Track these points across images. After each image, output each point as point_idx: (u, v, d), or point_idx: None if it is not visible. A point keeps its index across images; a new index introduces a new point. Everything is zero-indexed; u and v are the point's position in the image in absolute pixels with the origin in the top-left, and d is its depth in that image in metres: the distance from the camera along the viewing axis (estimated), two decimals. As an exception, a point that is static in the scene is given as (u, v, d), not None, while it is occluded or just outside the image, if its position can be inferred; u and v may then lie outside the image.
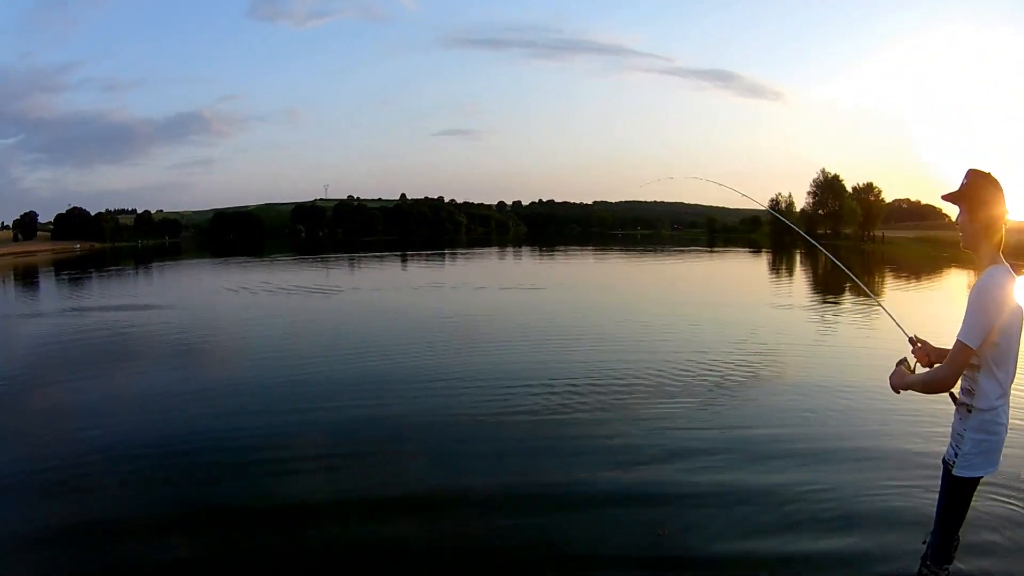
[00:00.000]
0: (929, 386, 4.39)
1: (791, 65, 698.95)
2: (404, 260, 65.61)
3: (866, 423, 10.33)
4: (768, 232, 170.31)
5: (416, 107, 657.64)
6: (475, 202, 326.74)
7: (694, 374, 13.75)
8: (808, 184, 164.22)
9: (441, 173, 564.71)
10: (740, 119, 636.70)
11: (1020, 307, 4.27)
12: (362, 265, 59.12)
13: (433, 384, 13.58)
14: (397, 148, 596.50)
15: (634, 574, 6.16)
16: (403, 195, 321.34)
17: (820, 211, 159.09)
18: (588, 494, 7.82)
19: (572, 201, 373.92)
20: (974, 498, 4.56)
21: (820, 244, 7.55)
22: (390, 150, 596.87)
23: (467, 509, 7.57)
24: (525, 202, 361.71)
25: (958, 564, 5.01)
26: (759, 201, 5.82)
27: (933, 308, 25.15)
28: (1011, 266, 4.33)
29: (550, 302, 28.35)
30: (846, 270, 6.36)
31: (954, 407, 4.51)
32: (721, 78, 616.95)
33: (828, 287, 36.27)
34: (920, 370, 4.70)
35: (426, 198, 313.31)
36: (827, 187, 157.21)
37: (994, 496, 7.19)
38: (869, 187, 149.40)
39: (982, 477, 4.42)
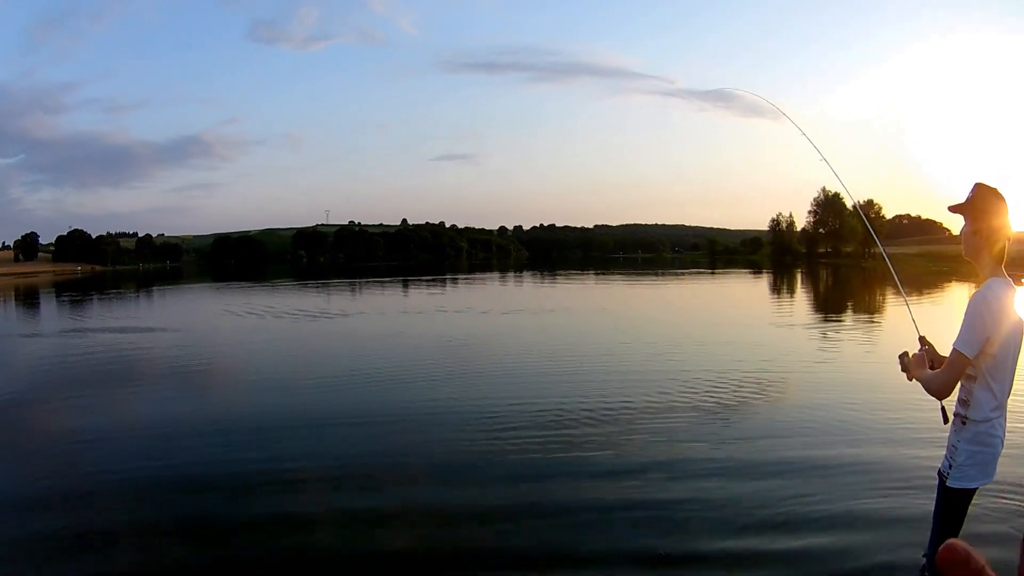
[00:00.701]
0: (929, 388, 4.45)
1: (790, 83, 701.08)
2: (407, 286, 65.47)
3: (866, 434, 10.53)
4: (769, 252, 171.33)
5: (416, 131, 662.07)
6: (476, 227, 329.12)
7: (698, 392, 13.78)
8: (809, 203, 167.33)
9: (442, 198, 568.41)
10: (741, 139, 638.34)
11: (1021, 321, 4.32)
12: (366, 291, 59.03)
13: (440, 403, 13.61)
14: (397, 173, 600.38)
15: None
16: (404, 220, 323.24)
17: (821, 230, 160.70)
18: (595, 506, 7.86)
19: (573, 225, 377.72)
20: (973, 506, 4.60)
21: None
22: (390, 175, 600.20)
23: (471, 524, 7.60)
24: (526, 227, 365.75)
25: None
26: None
27: (932, 320, 25.13)
28: (1012, 278, 4.37)
29: (554, 325, 28.29)
30: (894, 273, 6.19)
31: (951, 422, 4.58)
32: (721, 98, 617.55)
33: (829, 305, 36.57)
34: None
35: (427, 223, 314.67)
36: (827, 205, 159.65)
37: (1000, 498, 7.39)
38: (870, 204, 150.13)
39: (977, 488, 4.45)
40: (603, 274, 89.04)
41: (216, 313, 38.15)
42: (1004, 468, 4.96)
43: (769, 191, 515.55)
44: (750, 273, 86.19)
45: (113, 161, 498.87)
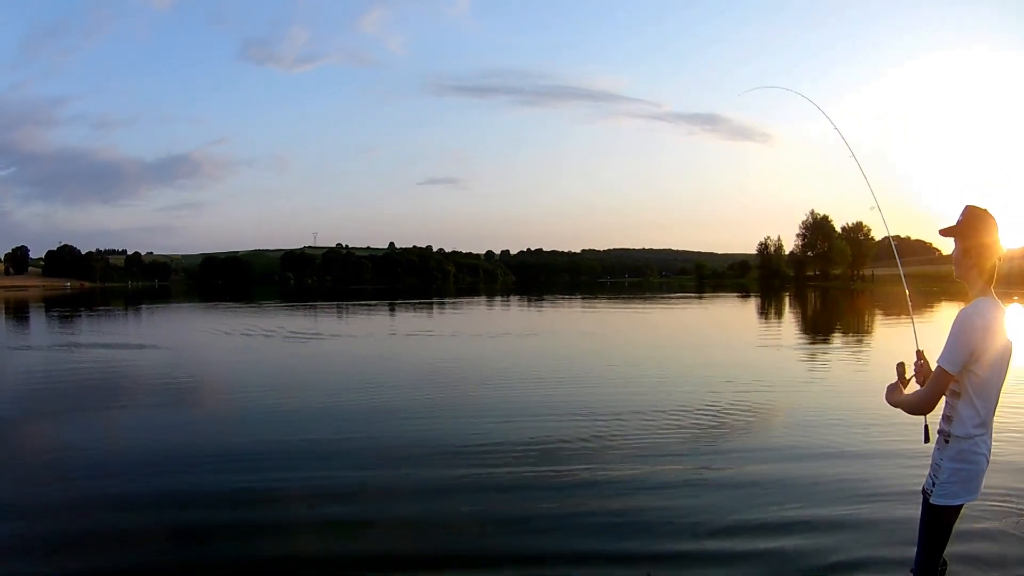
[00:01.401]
0: (911, 407, 4.54)
1: (776, 105, 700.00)
2: (394, 309, 65.49)
3: (854, 449, 10.86)
4: (757, 276, 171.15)
5: (404, 154, 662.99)
6: (463, 251, 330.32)
7: (685, 411, 13.99)
8: (797, 226, 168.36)
9: (430, 221, 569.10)
10: (728, 162, 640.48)
11: (1009, 341, 4.35)
12: (354, 313, 59.18)
13: (429, 421, 13.82)
14: (385, 195, 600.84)
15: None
16: (392, 243, 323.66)
17: (809, 252, 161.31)
18: (579, 525, 7.92)
19: (560, 250, 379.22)
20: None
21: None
22: (378, 197, 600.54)
23: (451, 536, 7.83)
24: (513, 251, 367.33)
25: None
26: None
27: (923, 339, 25.29)
28: (1002, 297, 4.45)
29: (541, 349, 28.28)
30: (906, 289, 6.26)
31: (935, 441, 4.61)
32: (709, 121, 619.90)
33: (818, 328, 36.83)
34: (913, 386, 4.75)
35: (415, 247, 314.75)
36: (816, 228, 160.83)
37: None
38: (859, 226, 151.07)
39: (961, 506, 4.46)
40: (590, 299, 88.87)
41: (210, 333, 38.03)
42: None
43: (756, 214, 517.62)
44: (738, 297, 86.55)
45: (102, 177, 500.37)
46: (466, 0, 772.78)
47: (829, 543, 7.18)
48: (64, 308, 62.52)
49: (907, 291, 5.78)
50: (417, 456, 11.08)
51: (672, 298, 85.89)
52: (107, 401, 16.79)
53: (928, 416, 4.59)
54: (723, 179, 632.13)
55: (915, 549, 4.69)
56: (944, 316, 36.76)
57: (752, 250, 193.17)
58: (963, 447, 4.34)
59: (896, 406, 4.68)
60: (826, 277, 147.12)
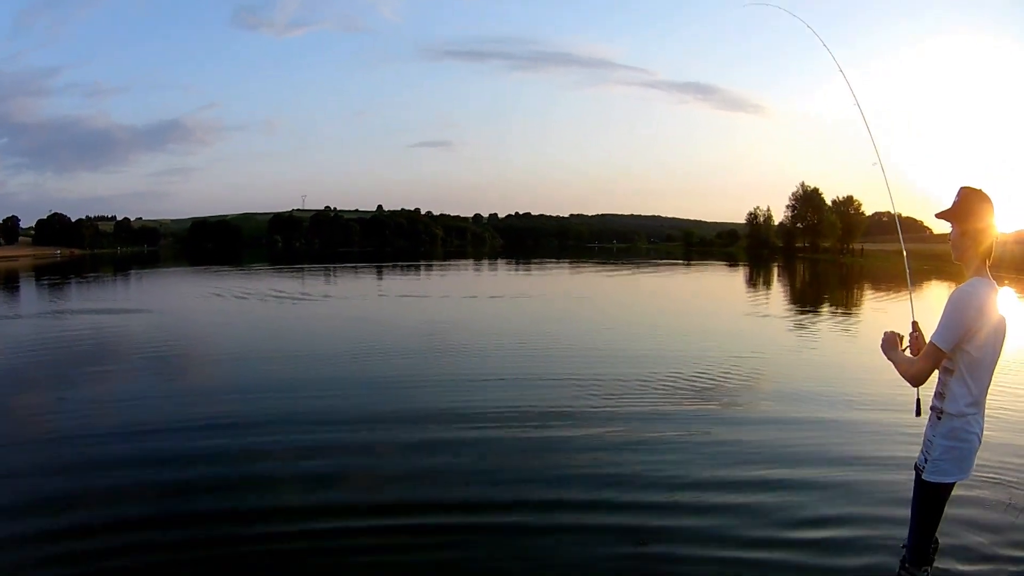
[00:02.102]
0: (903, 371, 4.52)
1: (771, 78, 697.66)
2: (383, 271, 65.45)
3: (852, 427, 10.56)
4: (745, 246, 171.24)
5: (394, 119, 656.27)
6: (451, 214, 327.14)
7: (677, 380, 13.93)
8: (787, 198, 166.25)
9: (418, 185, 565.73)
10: (720, 132, 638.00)
11: (1003, 320, 4.37)
12: (343, 276, 58.95)
13: (421, 384, 13.93)
14: (374, 159, 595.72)
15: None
16: (380, 207, 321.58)
17: (799, 224, 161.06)
18: (572, 502, 7.70)
19: (549, 214, 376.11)
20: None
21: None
22: (367, 161, 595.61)
23: (439, 513, 7.58)
24: (502, 215, 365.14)
25: (938, 565, 5.01)
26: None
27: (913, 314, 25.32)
28: (995, 279, 4.44)
29: (535, 314, 28.48)
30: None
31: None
32: (702, 91, 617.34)
33: (807, 299, 36.90)
34: (907, 354, 4.74)
35: (403, 210, 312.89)
36: (806, 200, 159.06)
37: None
38: (849, 200, 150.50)
39: (953, 484, 4.48)
40: (579, 264, 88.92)
41: (201, 297, 37.92)
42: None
43: (746, 185, 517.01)
44: (726, 265, 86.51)
45: (93, 145, 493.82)
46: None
47: (803, 500, 7.49)
48: (54, 276, 61.93)
49: (907, 263, 5.71)
50: (407, 415, 11.27)
51: (660, 264, 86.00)
52: (98, 366, 16.74)
53: (920, 389, 4.61)
54: (714, 149, 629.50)
55: (906, 518, 4.74)
56: (934, 294, 36.53)
57: (741, 219, 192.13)
58: (955, 425, 4.35)
59: (890, 360, 4.67)
60: (815, 250, 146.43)
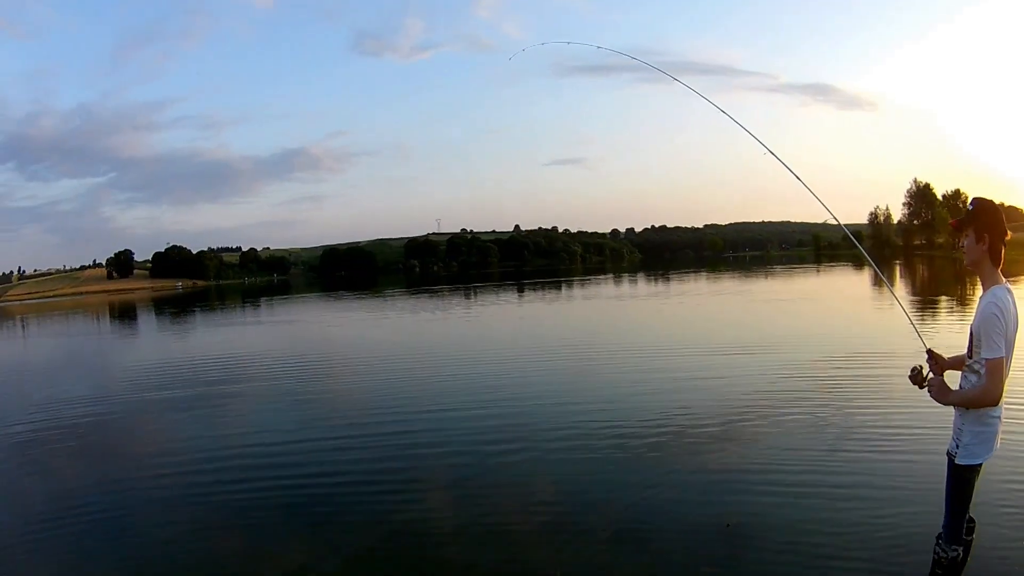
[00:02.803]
0: (976, 402, 4.81)
1: (884, 73, 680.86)
2: (549, 289, 65.20)
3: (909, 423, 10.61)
4: (868, 247, 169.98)
5: (526, 137, 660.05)
6: (588, 230, 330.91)
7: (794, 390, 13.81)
8: (902, 195, 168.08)
9: (554, 203, 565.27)
10: (839, 132, 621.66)
11: (1017, 316, 4.81)
12: (514, 297, 58.54)
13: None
14: (508, 179, 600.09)
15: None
16: (517, 226, 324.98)
17: (915, 221, 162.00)
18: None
19: (684, 226, 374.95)
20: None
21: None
22: (501, 181, 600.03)
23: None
24: (638, 229, 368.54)
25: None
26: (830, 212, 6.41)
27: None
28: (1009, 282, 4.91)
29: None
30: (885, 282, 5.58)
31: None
32: (822, 92, 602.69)
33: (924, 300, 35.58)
34: (932, 377, 5.12)
35: (540, 228, 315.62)
36: (919, 196, 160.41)
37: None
38: (956, 194, 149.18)
39: (983, 464, 4.90)
40: (717, 276, 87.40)
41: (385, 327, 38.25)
42: None
43: (867, 182, 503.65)
44: (852, 268, 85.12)
45: (212, 177, 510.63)
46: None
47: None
48: (177, 307, 63.73)
49: (908, 317, 5.95)
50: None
51: (796, 270, 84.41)
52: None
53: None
54: (834, 149, 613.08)
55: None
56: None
57: (863, 219, 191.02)
58: (980, 412, 4.84)
59: (956, 404, 4.97)
60: (931, 246, 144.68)
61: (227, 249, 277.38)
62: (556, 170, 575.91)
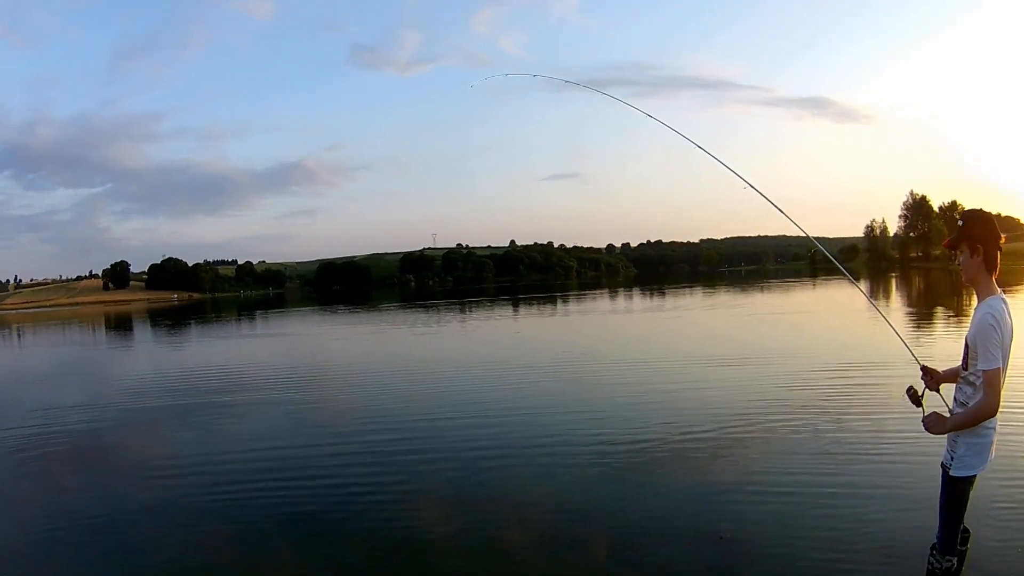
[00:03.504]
0: (976, 419, 4.75)
1: (880, 86, 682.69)
2: (544, 304, 65.07)
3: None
4: (865, 260, 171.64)
5: (522, 152, 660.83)
6: (584, 245, 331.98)
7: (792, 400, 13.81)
8: (899, 207, 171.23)
9: (549, 217, 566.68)
10: (835, 145, 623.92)
11: (1012, 325, 4.79)
12: (509, 311, 58.41)
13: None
14: (505, 194, 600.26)
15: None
16: (512, 241, 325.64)
17: (911, 234, 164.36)
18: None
19: (679, 240, 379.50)
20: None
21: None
22: (498, 196, 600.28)
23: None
24: (634, 243, 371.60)
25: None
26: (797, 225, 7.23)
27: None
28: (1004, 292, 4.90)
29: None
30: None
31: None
32: (817, 105, 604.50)
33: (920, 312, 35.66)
34: (929, 394, 5.19)
35: (535, 243, 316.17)
36: (916, 209, 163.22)
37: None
38: (953, 205, 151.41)
39: (977, 475, 4.88)
40: (712, 290, 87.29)
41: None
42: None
43: (863, 194, 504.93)
44: (848, 282, 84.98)
45: (209, 189, 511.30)
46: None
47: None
48: (173, 319, 63.70)
49: (901, 336, 6.06)
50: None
51: (791, 284, 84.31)
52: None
53: (933, 396, 5.20)
54: (830, 162, 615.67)
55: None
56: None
57: (859, 232, 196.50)
58: (976, 425, 4.79)
59: (958, 428, 4.88)
60: (927, 258, 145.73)
61: (223, 262, 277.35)
62: (552, 185, 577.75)
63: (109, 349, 39.62)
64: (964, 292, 43.28)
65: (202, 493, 9.50)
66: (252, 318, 63.44)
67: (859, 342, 21.36)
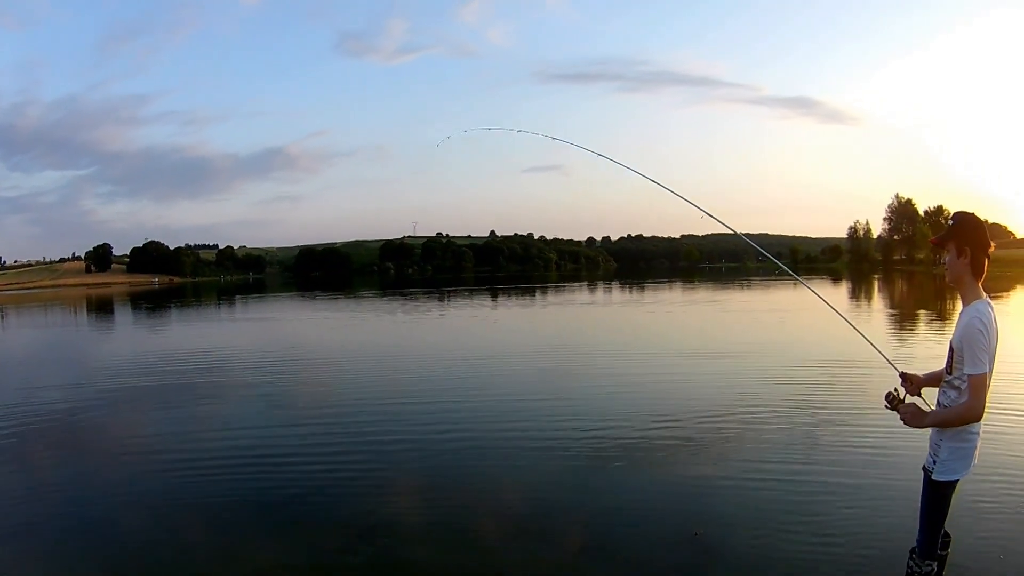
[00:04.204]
0: (959, 420, 4.75)
1: (868, 89, 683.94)
2: (523, 295, 65.20)
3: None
4: (847, 261, 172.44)
5: (505, 144, 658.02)
6: (564, 238, 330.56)
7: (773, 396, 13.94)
8: (883, 209, 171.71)
9: (531, 209, 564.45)
10: (821, 145, 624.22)
11: (998, 330, 4.80)
12: (487, 301, 58.39)
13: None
14: (486, 185, 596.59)
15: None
16: (492, 232, 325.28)
17: (896, 236, 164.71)
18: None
19: (660, 235, 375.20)
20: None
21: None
22: (479, 187, 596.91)
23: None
24: (614, 237, 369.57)
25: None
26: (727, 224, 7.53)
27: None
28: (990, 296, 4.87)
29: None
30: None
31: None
32: (803, 105, 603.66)
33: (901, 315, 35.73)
34: (910, 398, 5.10)
35: (516, 234, 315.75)
36: (901, 212, 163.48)
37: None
38: (939, 210, 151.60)
39: (959, 480, 4.85)
40: (692, 286, 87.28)
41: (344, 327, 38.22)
42: None
43: (846, 197, 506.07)
44: (830, 281, 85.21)
45: (193, 174, 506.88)
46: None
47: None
48: (152, 302, 63.54)
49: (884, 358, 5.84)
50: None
51: (773, 283, 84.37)
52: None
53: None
54: (815, 162, 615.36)
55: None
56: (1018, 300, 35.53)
57: (842, 233, 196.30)
58: (960, 428, 4.78)
59: (937, 425, 4.90)
60: (911, 261, 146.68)
61: (204, 246, 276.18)
62: (533, 177, 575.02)
63: (90, 333, 39.27)
64: (948, 296, 43.62)
65: (177, 477, 9.43)
66: (232, 303, 62.93)
67: (832, 339, 21.35)
